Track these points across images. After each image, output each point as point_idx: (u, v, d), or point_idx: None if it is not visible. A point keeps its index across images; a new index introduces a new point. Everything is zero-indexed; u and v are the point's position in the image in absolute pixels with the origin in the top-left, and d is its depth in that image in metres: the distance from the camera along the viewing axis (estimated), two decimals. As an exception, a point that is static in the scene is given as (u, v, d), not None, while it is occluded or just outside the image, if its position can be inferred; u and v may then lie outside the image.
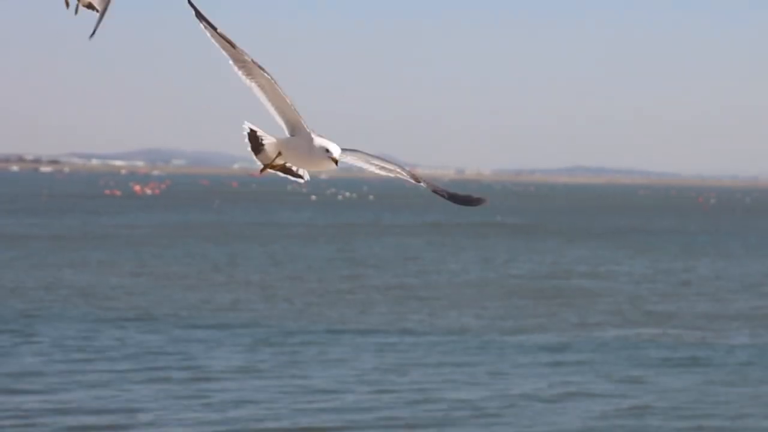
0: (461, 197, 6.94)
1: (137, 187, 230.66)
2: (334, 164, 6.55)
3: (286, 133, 6.56)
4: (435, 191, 6.90)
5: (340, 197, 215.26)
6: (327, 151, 6.45)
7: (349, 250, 77.37)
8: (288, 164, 6.79)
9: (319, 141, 6.45)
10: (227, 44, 6.36)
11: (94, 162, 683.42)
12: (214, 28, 6.32)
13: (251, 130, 6.70)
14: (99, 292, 49.43)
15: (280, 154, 6.64)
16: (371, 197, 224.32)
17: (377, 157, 6.96)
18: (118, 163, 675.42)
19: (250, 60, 6.39)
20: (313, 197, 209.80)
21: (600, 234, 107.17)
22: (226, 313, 43.75)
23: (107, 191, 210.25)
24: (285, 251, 75.40)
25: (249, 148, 6.80)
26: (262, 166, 6.89)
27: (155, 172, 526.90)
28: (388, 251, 77.66)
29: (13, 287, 49.90)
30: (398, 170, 6.97)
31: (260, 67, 6.42)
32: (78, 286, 51.10)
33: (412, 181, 6.93)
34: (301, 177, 6.90)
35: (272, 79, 6.44)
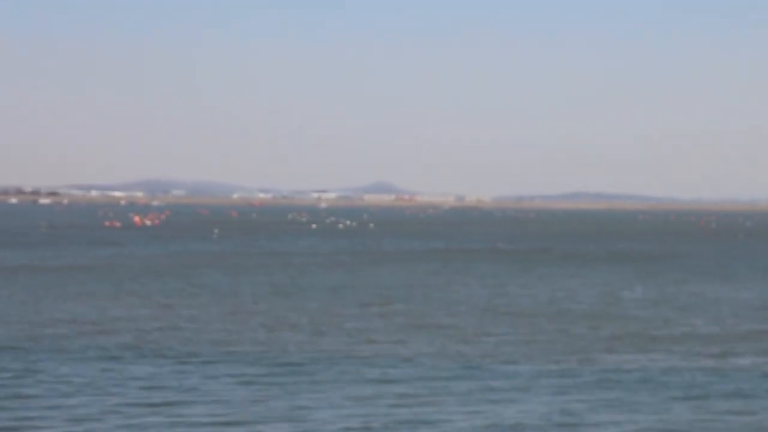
0: None
1: (137, 218, 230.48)
2: None
3: None
4: None
5: (340, 226, 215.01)
6: None
7: (354, 278, 76.92)
8: None
9: None
10: None
11: (94, 193, 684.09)
12: None
13: None
14: (99, 322, 48.97)
15: None
16: (371, 225, 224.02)
17: None
18: (117, 194, 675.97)
19: None
20: (314, 226, 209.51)
21: (602, 258, 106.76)
22: (229, 343, 43.21)
23: (107, 222, 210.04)
24: (288, 280, 74.94)
25: None
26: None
27: (155, 203, 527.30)
28: (393, 278, 77.19)
29: (12, 320, 49.42)
30: None
31: None
32: (78, 319, 50.63)
33: None
34: None
35: None
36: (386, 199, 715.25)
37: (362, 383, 34.45)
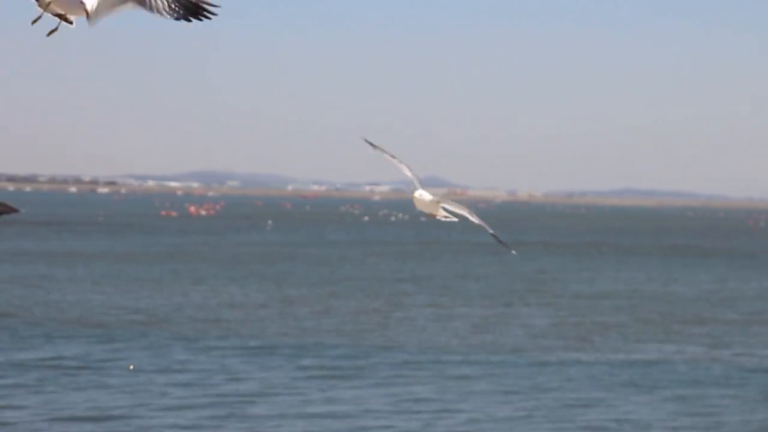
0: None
1: (192, 208, 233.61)
2: None
3: None
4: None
5: (392, 218, 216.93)
6: None
7: (409, 269, 79.40)
8: None
9: None
10: None
11: (150, 183, 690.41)
12: None
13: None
14: (149, 311, 51.75)
15: None
16: (423, 219, 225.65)
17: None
18: (173, 184, 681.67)
19: None
20: (366, 218, 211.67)
21: (650, 253, 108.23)
22: (280, 332, 45.76)
23: (163, 212, 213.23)
24: (342, 270, 77.44)
25: None
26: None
27: (210, 194, 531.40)
28: (443, 269, 79.55)
29: (77, 304, 52.36)
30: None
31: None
32: (132, 306, 53.48)
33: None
34: None
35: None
36: (438, 192, 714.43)
37: (412, 372, 36.90)
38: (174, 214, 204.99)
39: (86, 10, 6.33)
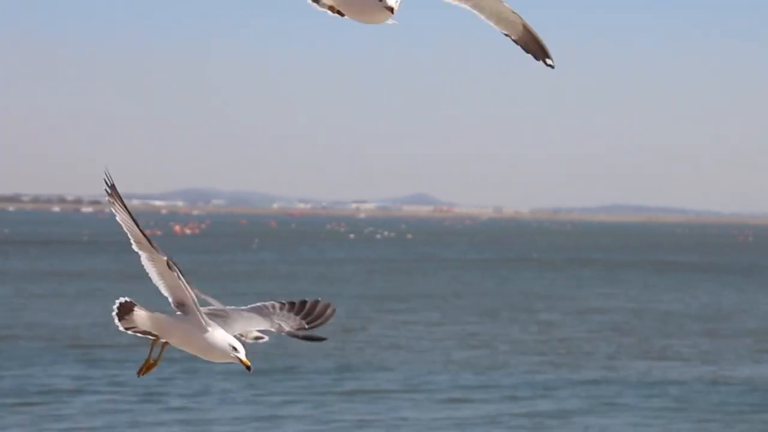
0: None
1: (177, 227, 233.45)
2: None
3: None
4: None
5: (378, 236, 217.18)
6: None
7: (399, 285, 79.40)
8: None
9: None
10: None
11: (135, 202, 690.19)
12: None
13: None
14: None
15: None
16: (409, 236, 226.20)
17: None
18: (158, 203, 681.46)
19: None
20: (352, 236, 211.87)
21: (638, 269, 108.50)
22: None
23: (148, 231, 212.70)
24: (331, 289, 77.41)
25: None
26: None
27: (195, 212, 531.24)
28: (437, 284, 79.58)
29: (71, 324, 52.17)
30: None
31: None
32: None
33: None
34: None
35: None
36: (424, 210, 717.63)
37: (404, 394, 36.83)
38: (159, 233, 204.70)
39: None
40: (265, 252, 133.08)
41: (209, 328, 6.75)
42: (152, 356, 7.02)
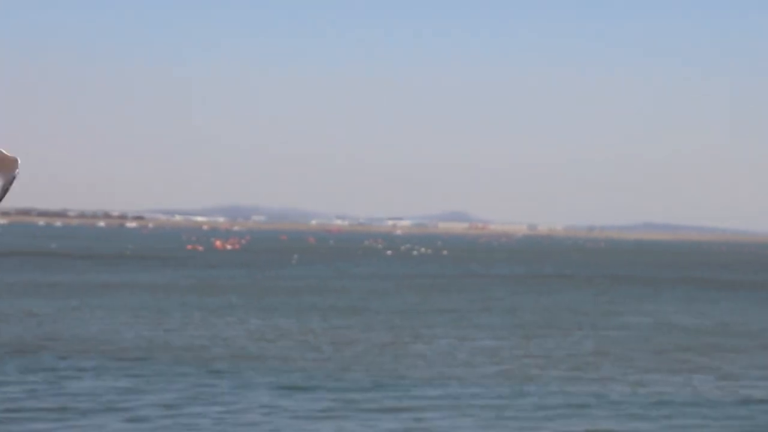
0: None
1: (218, 243, 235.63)
2: None
3: None
4: None
5: (414, 252, 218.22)
6: None
7: (434, 300, 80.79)
8: None
9: None
10: None
11: (177, 218, 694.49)
12: None
13: None
14: (177, 343, 53.36)
15: None
16: (445, 252, 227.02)
17: None
18: (200, 219, 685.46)
19: None
20: (389, 252, 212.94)
21: (674, 285, 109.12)
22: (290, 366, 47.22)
23: (189, 246, 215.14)
24: (368, 303, 78.92)
25: None
26: None
27: (236, 228, 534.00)
28: (472, 300, 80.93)
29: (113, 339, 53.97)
30: None
31: None
32: (161, 339, 55.06)
33: None
34: None
35: None
36: (460, 227, 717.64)
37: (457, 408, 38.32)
38: (200, 248, 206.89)
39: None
40: (303, 267, 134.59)
41: None
42: None
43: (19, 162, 5.17)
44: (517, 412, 34.70)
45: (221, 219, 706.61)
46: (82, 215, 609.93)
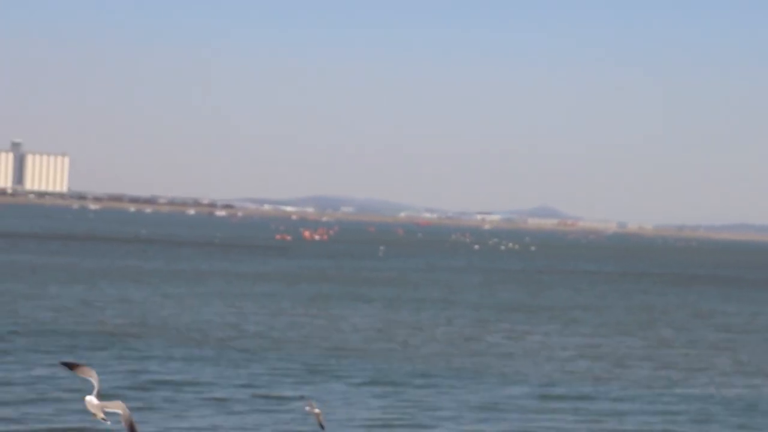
0: None
1: (306, 233, 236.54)
2: None
3: None
4: None
5: (502, 247, 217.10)
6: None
7: (521, 296, 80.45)
8: None
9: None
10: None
11: (266, 207, 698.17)
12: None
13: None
14: (266, 332, 53.70)
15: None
16: (533, 248, 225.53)
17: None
18: (289, 208, 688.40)
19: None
20: (477, 247, 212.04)
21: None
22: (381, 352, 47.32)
23: (278, 236, 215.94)
24: (453, 296, 78.81)
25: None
26: None
27: (324, 218, 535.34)
28: (558, 296, 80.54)
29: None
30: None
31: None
32: (250, 328, 55.43)
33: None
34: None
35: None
36: (549, 223, 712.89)
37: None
38: (288, 238, 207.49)
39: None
40: (391, 259, 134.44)
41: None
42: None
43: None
44: (602, 407, 34.49)
45: (310, 209, 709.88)
46: (172, 202, 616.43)
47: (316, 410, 11.24)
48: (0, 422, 28.91)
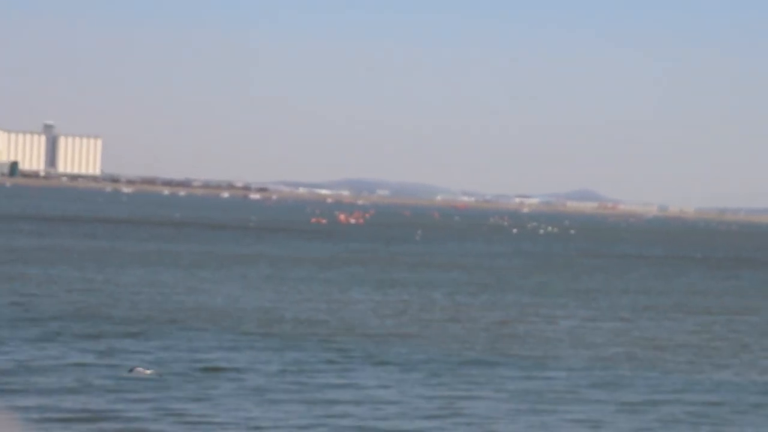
0: None
1: (342, 216, 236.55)
2: None
3: None
4: None
5: (541, 231, 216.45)
6: None
7: (559, 280, 79.67)
8: None
9: None
10: None
11: (301, 190, 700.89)
12: None
13: None
14: (302, 318, 53.06)
15: None
16: (572, 231, 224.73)
17: None
18: (324, 191, 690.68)
19: None
20: (515, 230, 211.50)
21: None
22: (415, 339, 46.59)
23: (313, 219, 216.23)
24: (492, 280, 78.02)
25: None
26: None
27: (360, 202, 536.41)
28: (597, 280, 79.61)
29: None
30: None
31: None
32: (286, 315, 54.78)
33: None
34: None
35: None
36: (589, 206, 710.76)
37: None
38: (323, 221, 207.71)
39: None
40: (427, 243, 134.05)
41: None
42: None
43: None
44: (637, 397, 33.78)
45: (345, 192, 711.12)
46: (206, 185, 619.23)
47: (148, 371, 10.46)
48: (34, 410, 28.23)
